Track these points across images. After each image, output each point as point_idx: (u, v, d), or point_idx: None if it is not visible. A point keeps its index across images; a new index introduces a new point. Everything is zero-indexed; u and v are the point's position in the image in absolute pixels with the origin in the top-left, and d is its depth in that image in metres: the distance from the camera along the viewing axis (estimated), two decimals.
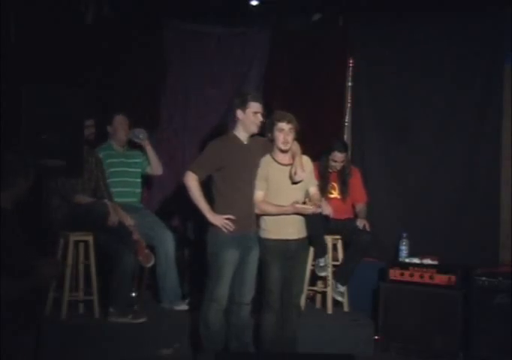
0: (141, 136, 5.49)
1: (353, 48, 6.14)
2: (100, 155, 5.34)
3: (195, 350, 4.68)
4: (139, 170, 5.59)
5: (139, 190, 5.56)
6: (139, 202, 5.56)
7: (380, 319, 5.17)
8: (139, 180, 5.58)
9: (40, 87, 4.01)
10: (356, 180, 5.51)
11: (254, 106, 4.38)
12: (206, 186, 4.42)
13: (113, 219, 4.88)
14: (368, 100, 6.04)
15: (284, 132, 4.30)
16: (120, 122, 5.48)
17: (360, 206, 5.51)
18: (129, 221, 5.05)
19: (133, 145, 5.65)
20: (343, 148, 5.44)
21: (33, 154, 3.80)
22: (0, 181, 3.48)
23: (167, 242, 5.34)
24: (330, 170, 5.44)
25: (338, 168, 5.43)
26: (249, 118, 4.38)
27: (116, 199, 5.21)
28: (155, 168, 5.64)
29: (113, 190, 5.29)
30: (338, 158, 5.39)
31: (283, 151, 4.36)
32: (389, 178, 5.93)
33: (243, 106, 4.38)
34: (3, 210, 3.40)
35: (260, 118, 4.38)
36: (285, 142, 4.31)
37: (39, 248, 4.27)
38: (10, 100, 5.03)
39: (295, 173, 4.29)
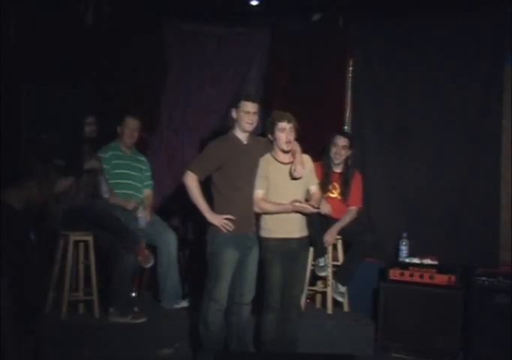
0: (142, 222, 5.32)
1: (353, 48, 6.14)
2: (107, 155, 5.34)
3: (195, 350, 4.68)
4: (141, 176, 5.57)
5: (141, 195, 5.54)
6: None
7: (380, 319, 5.17)
8: (140, 185, 5.56)
9: (40, 87, 4.00)
10: (356, 184, 5.49)
11: (245, 105, 4.38)
12: (206, 185, 4.42)
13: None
14: (369, 100, 6.03)
15: (286, 131, 4.30)
16: (129, 126, 5.46)
17: (351, 209, 5.45)
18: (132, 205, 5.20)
19: (139, 148, 5.67)
20: (345, 133, 5.51)
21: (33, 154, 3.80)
22: (14, 181, 3.48)
23: (170, 242, 5.34)
24: (334, 170, 5.43)
25: (343, 157, 5.38)
26: (240, 117, 4.38)
27: None
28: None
29: (116, 191, 5.29)
30: (341, 142, 5.37)
31: (285, 152, 4.35)
32: (389, 178, 5.91)
33: (237, 105, 4.40)
34: (11, 208, 3.40)
35: (251, 117, 4.37)
36: (288, 142, 4.31)
37: (39, 248, 4.28)
38: (10, 100, 5.02)
39: (294, 170, 4.29)
